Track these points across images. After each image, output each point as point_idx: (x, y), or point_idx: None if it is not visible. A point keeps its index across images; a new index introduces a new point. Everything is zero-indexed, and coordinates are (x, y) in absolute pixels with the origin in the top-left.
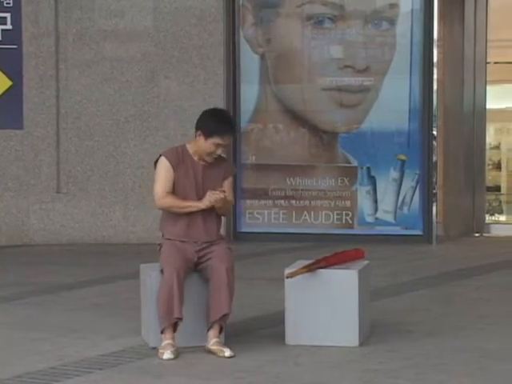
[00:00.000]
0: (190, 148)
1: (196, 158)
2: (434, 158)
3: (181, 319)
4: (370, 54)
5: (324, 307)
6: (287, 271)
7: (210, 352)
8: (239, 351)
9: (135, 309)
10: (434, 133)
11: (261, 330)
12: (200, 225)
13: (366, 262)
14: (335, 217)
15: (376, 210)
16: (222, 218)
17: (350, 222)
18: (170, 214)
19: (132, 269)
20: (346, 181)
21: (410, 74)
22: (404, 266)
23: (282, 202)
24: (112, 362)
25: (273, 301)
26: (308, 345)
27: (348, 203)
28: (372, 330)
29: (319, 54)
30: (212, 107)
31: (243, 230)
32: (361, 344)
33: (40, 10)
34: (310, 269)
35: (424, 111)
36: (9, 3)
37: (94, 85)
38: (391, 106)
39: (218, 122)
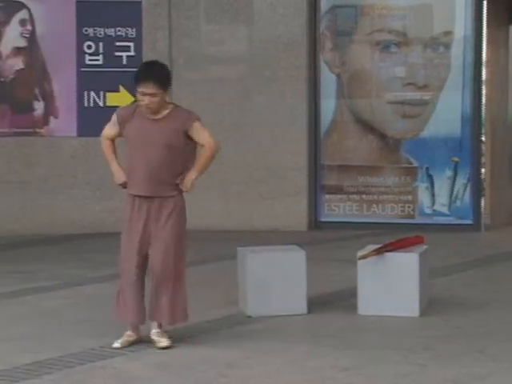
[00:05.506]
0: None
1: (148, 114)
2: (483, 160)
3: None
4: (428, 73)
5: (390, 283)
6: (359, 254)
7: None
8: (318, 319)
9: (232, 284)
10: (483, 139)
11: (337, 302)
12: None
13: (425, 246)
14: (399, 209)
15: (433, 203)
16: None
17: (412, 213)
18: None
19: (230, 251)
20: (408, 179)
21: (463, 90)
22: (457, 250)
23: (355, 196)
24: (214, 328)
25: (347, 278)
26: (376, 315)
27: (410, 197)
28: (430, 303)
29: (386, 73)
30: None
31: (322, 219)
32: (420, 314)
33: (157, 39)
34: (379, 252)
35: (474, 121)
36: (132, 34)
37: (201, 100)
38: (446, 116)
39: (137, 71)
